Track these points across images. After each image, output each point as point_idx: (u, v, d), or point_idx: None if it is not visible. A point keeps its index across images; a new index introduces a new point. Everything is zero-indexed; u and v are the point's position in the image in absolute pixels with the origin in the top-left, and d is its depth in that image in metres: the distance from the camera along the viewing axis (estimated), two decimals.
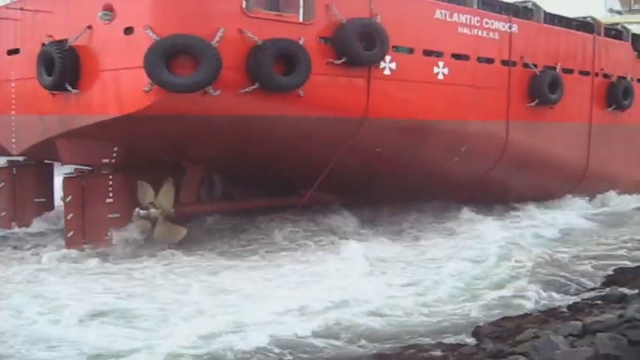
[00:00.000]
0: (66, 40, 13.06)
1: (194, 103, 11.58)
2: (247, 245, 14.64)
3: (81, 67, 12.88)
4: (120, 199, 14.12)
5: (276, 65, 12.04)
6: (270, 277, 11.49)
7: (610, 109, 20.06)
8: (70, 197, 13.97)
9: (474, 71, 16.11)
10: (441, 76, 15.18)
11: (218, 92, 11.37)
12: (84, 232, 13.92)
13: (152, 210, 14.30)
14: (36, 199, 17.48)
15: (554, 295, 10.63)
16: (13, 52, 15.43)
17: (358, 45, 13.03)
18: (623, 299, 9.50)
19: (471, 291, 10.79)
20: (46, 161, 17.80)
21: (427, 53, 14.96)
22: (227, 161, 14.77)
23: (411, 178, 15.81)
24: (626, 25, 23.15)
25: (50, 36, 13.60)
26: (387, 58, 13.86)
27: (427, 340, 8.37)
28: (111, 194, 14.10)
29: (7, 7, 15.21)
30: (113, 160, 14.10)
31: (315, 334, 8.44)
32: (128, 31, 11.83)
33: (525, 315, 9.36)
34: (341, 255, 12.84)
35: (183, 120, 12.01)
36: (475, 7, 16.27)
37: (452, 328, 8.96)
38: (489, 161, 17.02)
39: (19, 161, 17.41)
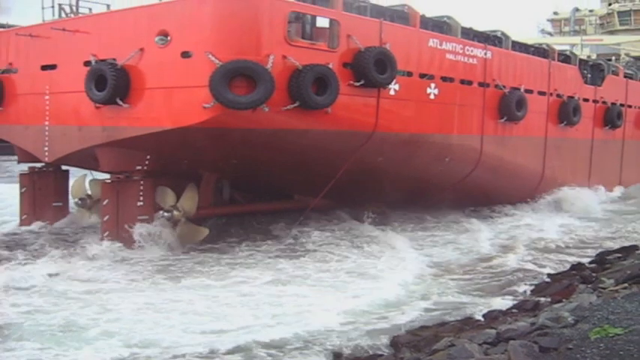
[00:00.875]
0: (114, 59, 14.71)
1: (244, 118, 13.46)
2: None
3: (131, 85, 14.54)
4: (148, 202, 15.79)
5: (305, 85, 14.10)
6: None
7: (562, 124, 23.06)
8: (107, 200, 15.55)
9: (458, 92, 18.60)
10: (432, 96, 17.56)
11: (267, 109, 13.31)
12: (117, 232, 15.48)
13: (175, 212, 16.08)
14: (54, 204, 18.91)
15: (473, 303, 11.22)
16: (49, 67, 16.83)
17: (374, 69, 15.21)
18: (537, 307, 9.91)
19: (394, 301, 11.33)
20: (64, 168, 19.31)
21: (422, 76, 17.31)
22: (246, 169, 16.61)
23: (403, 183, 18.12)
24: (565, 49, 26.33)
25: (94, 55, 15.17)
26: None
27: (346, 351, 8.68)
28: (141, 198, 15.76)
29: (50, 26, 16.63)
30: (145, 167, 15.78)
31: None
32: (185, 54, 13.60)
33: (443, 323, 9.68)
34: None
35: (232, 132, 13.88)
36: (459, 36, 18.83)
37: (369, 339, 9.18)
38: (467, 169, 19.55)
39: (38, 167, 18.80)
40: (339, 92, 14.41)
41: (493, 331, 8.00)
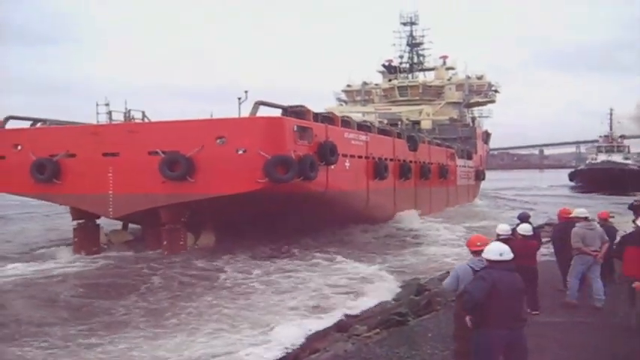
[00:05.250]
0: (177, 151, 23.81)
1: (280, 187, 23.33)
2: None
3: (194, 168, 23.71)
4: (184, 238, 25.09)
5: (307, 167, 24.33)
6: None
7: (401, 179, 35.71)
8: (167, 238, 24.49)
9: (357, 162, 30.07)
10: (348, 166, 28.82)
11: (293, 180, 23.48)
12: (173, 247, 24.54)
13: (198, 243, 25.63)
14: (93, 248, 26.72)
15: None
16: (110, 154, 25.07)
17: (329, 155, 25.99)
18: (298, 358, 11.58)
19: None
20: (97, 222, 27.18)
21: (343, 155, 28.44)
22: (245, 219, 26.17)
23: (335, 217, 29.06)
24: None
25: (160, 148, 24.08)
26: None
27: None
28: (182, 236, 25.01)
29: (115, 126, 25.06)
30: (184, 219, 25.02)
31: None
32: (241, 151, 23.26)
33: None
34: None
35: (270, 194, 23.57)
36: (355, 128, 30.43)
37: None
38: (361, 206, 31.02)
39: (82, 222, 26.50)
40: (317, 169, 24.99)
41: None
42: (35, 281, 20.10)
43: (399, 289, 17.54)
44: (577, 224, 13.47)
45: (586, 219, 13.53)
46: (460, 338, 8.45)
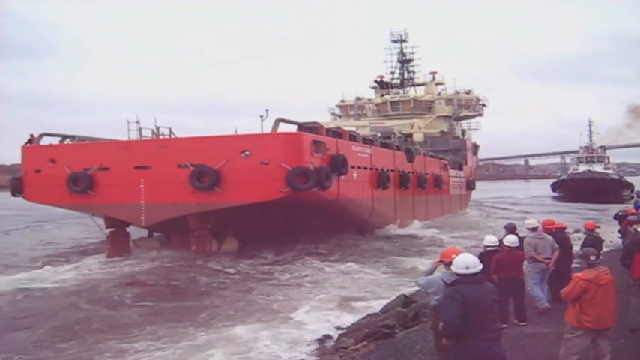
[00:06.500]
0: (204, 165, 26.23)
1: (301, 195, 25.80)
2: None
3: (221, 179, 26.13)
4: (210, 243, 27.48)
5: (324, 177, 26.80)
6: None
7: (401, 188, 38.31)
8: (195, 243, 26.87)
9: (363, 173, 32.62)
10: (356, 177, 31.35)
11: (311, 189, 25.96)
12: (200, 250, 26.90)
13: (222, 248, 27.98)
14: (124, 254, 28.98)
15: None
16: (142, 167, 27.42)
17: (341, 166, 28.53)
18: None
19: None
20: (127, 230, 29.44)
21: (352, 166, 30.95)
22: (264, 226, 28.59)
23: (344, 224, 31.55)
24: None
25: (189, 162, 26.49)
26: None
27: None
28: (208, 242, 27.40)
29: (146, 142, 27.43)
30: (209, 226, 27.40)
31: None
32: (264, 163, 25.70)
33: None
34: None
35: (289, 203, 26.03)
36: (361, 142, 33.01)
37: None
38: (367, 214, 33.56)
39: (115, 230, 28.78)
40: (332, 179, 27.51)
41: None
42: (95, 282, 22.26)
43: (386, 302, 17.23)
44: (528, 235, 13.86)
45: (535, 229, 13.95)
46: (441, 349, 8.47)
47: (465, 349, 7.16)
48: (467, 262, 7.34)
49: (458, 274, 7.36)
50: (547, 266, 13.53)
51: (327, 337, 13.78)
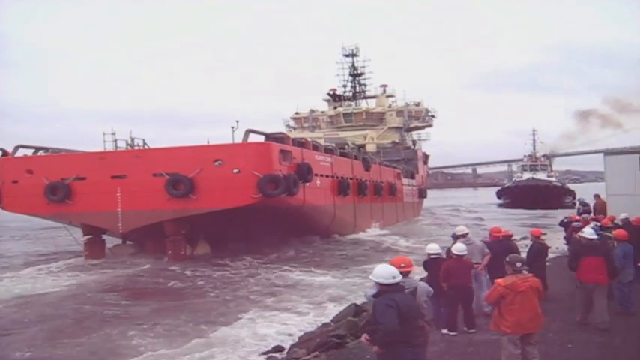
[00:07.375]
0: (178, 174, 27.93)
1: (269, 201, 27.71)
2: None
3: (195, 187, 27.85)
4: (184, 247, 29.17)
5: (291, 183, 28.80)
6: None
7: (360, 195, 40.56)
8: (171, 248, 28.50)
9: (325, 181, 34.73)
10: (319, 184, 33.44)
11: (280, 195, 27.90)
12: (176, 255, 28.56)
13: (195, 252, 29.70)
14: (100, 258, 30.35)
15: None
16: (118, 177, 28.91)
17: (306, 174, 30.57)
18: None
19: None
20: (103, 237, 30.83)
21: (316, 175, 33.02)
22: (234, 231, 30.41)
23: (308, 229, 33.55)
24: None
25: (165, 170, 28.15)
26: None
27: None
28: (183, 246, 29.09)
29: (121, 153, 28.94)
30: (184, 231, 29.09)
31: None
32: (236, 171, 27.53)
33: None
34: None
35: (259, 208, 27.90)
36: (323, 151, 35.14)
37: None
38: (329, 220, 35.67)
39: (91, 237, 30.15)
40: (298, 186, 29.52)
41: None
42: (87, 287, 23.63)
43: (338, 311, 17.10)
44: (458, 240, 13.96)
45: (464, 235, 14.19)
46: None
47: (397, 356, 7.22)
48: (392, 272, 7.45)
49: (383, 285, 7.38)
50: (476, 270, 13.64)
51: (279, 348, 13.72)
